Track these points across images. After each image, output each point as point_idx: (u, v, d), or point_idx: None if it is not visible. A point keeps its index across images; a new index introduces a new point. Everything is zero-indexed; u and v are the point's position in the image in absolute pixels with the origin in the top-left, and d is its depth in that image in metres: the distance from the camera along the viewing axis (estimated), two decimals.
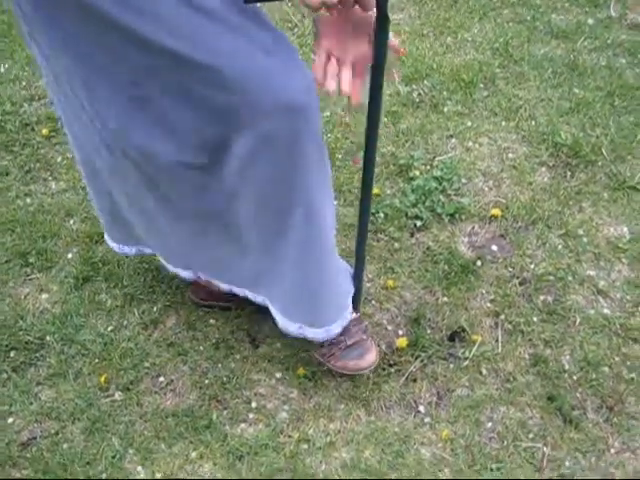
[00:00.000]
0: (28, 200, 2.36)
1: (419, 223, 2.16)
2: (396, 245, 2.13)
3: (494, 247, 2.12)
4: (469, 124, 2.48)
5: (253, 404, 1.80)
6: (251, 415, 1.79)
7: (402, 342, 1.87)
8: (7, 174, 2.46)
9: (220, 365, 1.88)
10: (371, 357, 1.77)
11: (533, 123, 2.47)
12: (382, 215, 2.19)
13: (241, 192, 1.43)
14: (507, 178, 2.30)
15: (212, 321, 1.97)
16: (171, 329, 1.97)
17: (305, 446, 1.73)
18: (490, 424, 1.75)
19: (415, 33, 2.90)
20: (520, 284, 2.02)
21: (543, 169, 2.33)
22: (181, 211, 1.53)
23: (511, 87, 2.61)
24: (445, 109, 2.53)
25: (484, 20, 2.96)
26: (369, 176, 1.51)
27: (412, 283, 2.04)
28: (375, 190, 2.25)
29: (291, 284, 1.62)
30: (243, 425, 1.77)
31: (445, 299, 2.00)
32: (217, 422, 1.77)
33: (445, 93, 2.59)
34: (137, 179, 1.47)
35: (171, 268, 1.81)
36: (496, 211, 2.17)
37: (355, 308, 1.82)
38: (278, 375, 1.86)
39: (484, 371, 1.84)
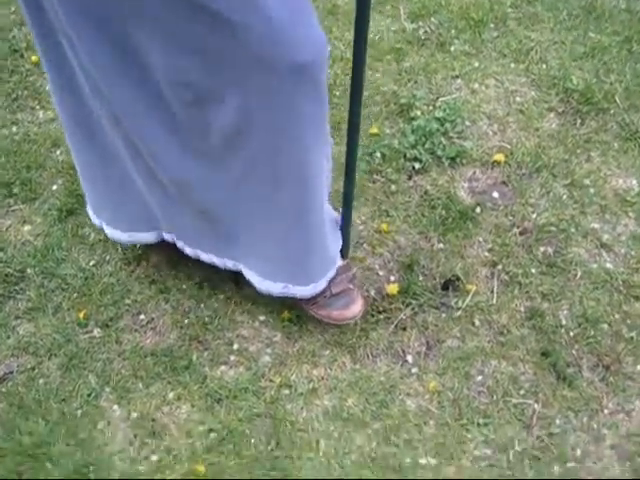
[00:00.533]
0: (14, 129, 2.21)
1: (418, 165, 2.02)
2: (392, 187, 1.99)
3: (495, 194, 1.98)
4: (476, 65, 2.30)
5: (235, 346, 1.70)
6: (232, 357, 1.68)
7: (393, 288, 1.75)
8: None
9: (203, 305, 1.77)
10: (356, 307, 1.66)
11: (544, 67, 2.29)
12: (379, 155, 2.04)
13: (233, 147, 1.31)
14: (513, 122, 2.14)
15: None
16: (154, 266, 1.85)
17: (286, 392, 1.62)
18: (480, 378, 1.64)
19: None
20: (520, 234, 1.88)
21: (552, 115, 2.16)
22: (162, 167, 1.41)
23: (523, 28, 2.43)
24: (452, 48, 2.36)
25: None
26: (355, 110, 1.36)
27: (407, 228, 1.91)
28: (373, 129, 2.10)
29: (275, 244, 1.51)
30: (223, 367, 1.67)
31: (441, 246, 1.86)
32: (197, 363, 1.66)
33: (453, 31, 2.40)
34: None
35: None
36: (499, 156, 2.02)
37: (343, 255, 1.69)
38: (262, 318, 1.75)
39: (477, 322, 1.73)
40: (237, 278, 1.81)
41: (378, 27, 2.43)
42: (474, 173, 2.03)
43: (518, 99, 2.20)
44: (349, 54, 2.34)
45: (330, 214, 1.63)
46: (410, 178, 2.01)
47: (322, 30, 1.18)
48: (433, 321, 1.73)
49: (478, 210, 1.93)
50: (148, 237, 1.69)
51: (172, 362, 1.66)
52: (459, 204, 1.94)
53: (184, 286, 1.80)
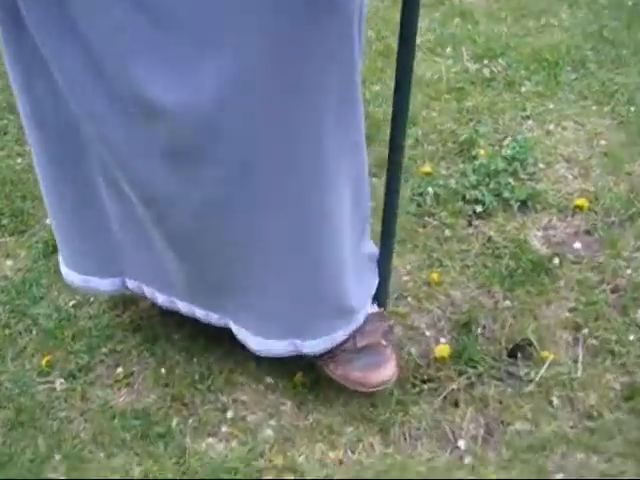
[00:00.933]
0: (19, 160, 1.93)
1: (479, 209, 1.61)
2: (447, 233, 1.57)
3: (577, 244, 1.54)
4: (551, 106, 1.92)
5: (229, 414, 1.26)
6: (224, 428, 1.24)
7: (443, 350, 1.30)
8: (5, 133, 2.05)
9: (195, 360, 1.35)
10: (388, 371, 1.22)
11: (632, 109, 1.89)
12: (432, 196, 1.65)
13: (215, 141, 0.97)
14: (597, 166, 1.73)
15: None
16: (144, 311, 1.46)
17: (290, 477, 1.17)
18: (560, 476, 1.15)
19: (490, 16, 2.38)
20: (612, 292, 1.43)
21: None
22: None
23: (605, 71, 2.05)
24: (522, 89, 1.99)
25: (574, 6, 2.42)
26: (397, 143, 1.12)
27: (464, 280, 1.48)
28: (426, 168, 1.71)
29: (277, 292, 1.14)
30: (211, 440, 1.23)
31: (507, 303, 1.42)
32: (176, 431, 1.23)
33: (523, 72, 2.05)
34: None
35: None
36: (582, 201, 1.60)
37: (379, 303, 1.27)
38: (268, 380, 1.32)
39: (556, 401, 1.25)
40: None
41: (435, 68, 2.10)
42: (550, 221, 1.60)
43: (603, 142, 1.80)
44: None
45: (370, 249, 1.24)
46: (470, 224, 1.60)
47: None
48: (496, 396, 1.26)
49: (556, 262, 1.49)
50: (105, 285, 1.30)
51: (145, 427, 1.24)
52: (532, 254, 1.50)
53: (175, 336, 1.40)
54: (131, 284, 1.29)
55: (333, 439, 1.21)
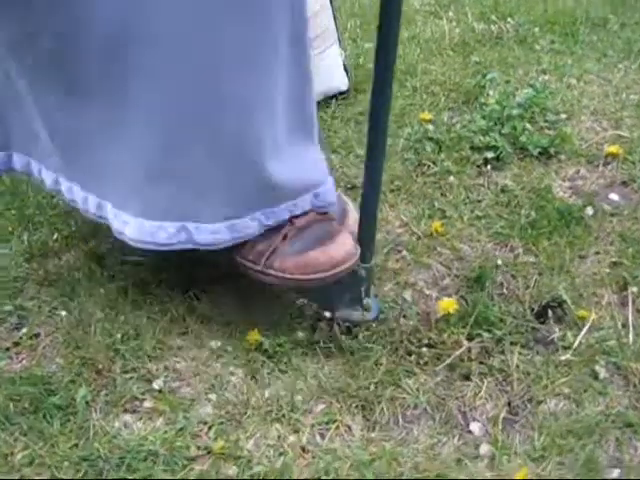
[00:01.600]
0: None
1: (491, 155, 1.26)
2: (452, 180, 1.22)
3: (614, 195, 1.19)
4: (570, 62, 1.60)
5: (156, 384, 0.89)
6: (147, 402, 0.87)
7: (448, 305, 0.93)
8: None
9: (122, 317, 0.98)
10: (346, 244, 0.87)
11: None
12: (432, 144, 1.30)
13: None
14: (630, 117, 1.39)
15: (132, 253, 1.09)
16: (67, 262, 1.10)
17: (232, 468, 0.79)
18: (616, 472, 0.77)
19: None
20: None
21: None
22: None
23: (629, 31, 1.74)
24: (536, 46, 1.67)
25: None
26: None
27: (473, 233, 1.12)
28: (425, 115, 1.37)
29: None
30: (128, 417, 0.85)
31: (530, 259, 1.06)
32: (81, 405, 0.86)
33: (536, 30, 1.73)
34: None
35: None
36: (615, 148, 1.25)
37: (362, 259, 0.91)
38: (214, 343, 0.94)
39: (603, 373, 0.88)
40: (188, 282, 1.04)
41: (436, 28, 1.79)
42: (578, 171, 1.25)
43: (633, 96, 1.46)
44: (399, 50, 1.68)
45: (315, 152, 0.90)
46: (480, 173, 1.25)
47: None
48: (521, 366, 0.89)
49: (589, 212, 1.14)
50: None
51: (40, 400, 0.86)
52: (559, 201, 1.15)
53: (100, 290, 1.03)
54: (19, 162, 0.98)
55: (295, 419, 0.84)
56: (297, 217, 0.89)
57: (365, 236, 0.90)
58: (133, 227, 0.86)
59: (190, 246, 0.87)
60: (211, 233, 0.85)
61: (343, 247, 0.86)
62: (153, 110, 0.78)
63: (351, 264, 0.87)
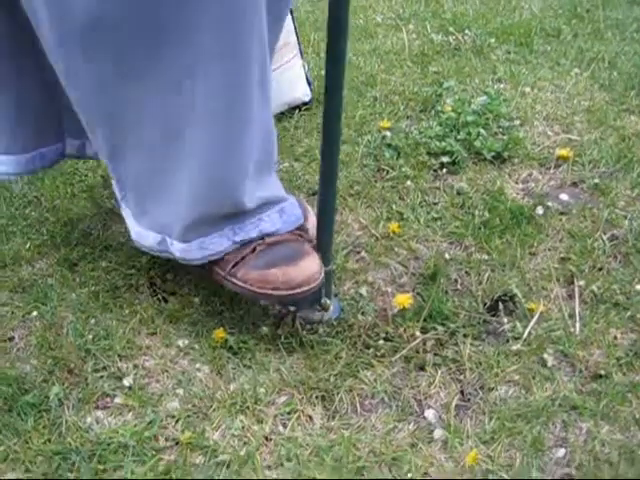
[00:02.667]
0: None
1: (447, 160, 1.32)
2: (409, 184, 1.28)
3: (564, 196, 1.25)
4: (525, 71, 1.66)
5: (126, 382, 0.92)
6: (117, 399, 0.90)
7: (404, 300, 0.98)
8: None
9: (93, 320, 1.02)
10: (312, 265, 0.91)
11: (615, 74, 1.64)
12: (391, 150, 1.35)
13: None
14: (581, 122, 1.45)
15: (104, 259, 1.12)
16: (40, 269, 1.13)
17: (197, 458, 0.82)
18: (562, 452, 0.82)
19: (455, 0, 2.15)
20: (610, 240, 1.13)
21: (633, 118, 1.47)
22: None
23: (582, 41, 1.81)
24: (492, 56, 1.74)
25: None
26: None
27: (429, 233, 1.17)
28: (384, 123, 1.42)
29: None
30: (99, 413, 0.88)
31: (483, 256, 1.11)
32: (54, 402, 0.89)
33: (492, 41, 1.80)
34: None
35: None
36: (565, 152, 1.32)
37: (325, 262, 0.95)
38: (181, 342, 0.98)
39: (551, 360, 0.93)
40: (156, 282, 1.08)
41: (396, 40, 1.85)
42: (530, 174, 1.31)
43: (585, 103, 1.53)
44: (360, 61, 1.74)
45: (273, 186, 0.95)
46: (436, 177, 1.31)
47: None
48: (473, 357, 0.94)
49: (540, 211, 1.19)
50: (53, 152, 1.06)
51: (14, 398, 0.89)
52: (511, 202, 1.21)
53: (71, 295, 1.06)
54: (70, 147, 1.07)
55: (259, 410, 0.88)
56: (270, 235, 0.93)
57: (323, 240, 0.94)
58: (132, 225, 0.96)
59: (166, 256, 0.93)
60: (183, 251, 0.89)
61: (305, 271, 0.90)
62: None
63: (310, 287, 0.90)
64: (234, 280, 0.93)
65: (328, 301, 0.97)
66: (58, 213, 1.24)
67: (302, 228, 0.96)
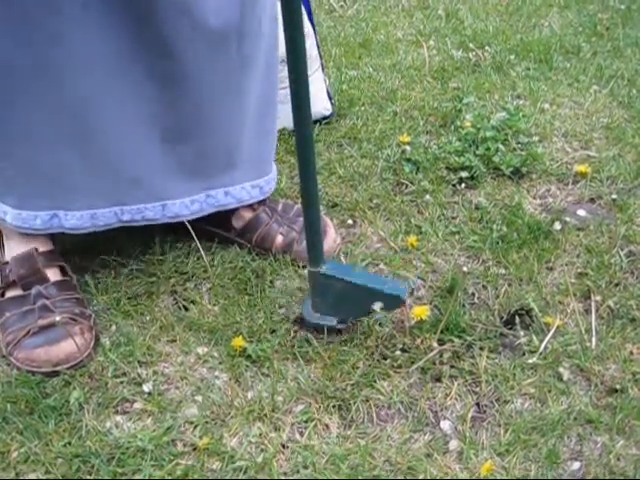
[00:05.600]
0: None
1: (465, 174, 1.33)
2: (428, 198, 1.29)
3: (581, 212, 1.26)
4: (544, 87, 1.68)
5: (145, 387, 0.94)
6: (137, 404, 0.92)
7: (421, 312, 0.99)
8: None
9: (114, 326, 1.04)
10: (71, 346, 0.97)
11: (634, 91, 1.65)
12: (410, 164, 1.37)
13: None
14: (599, 138, 1.46)
15: (125, 267, 1.15)
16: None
17: (214, 464, 0.84)
18: (576, 465, 0.83)
19: (476, 16, 2.18)
20: (627, 257, 1.13)
21: None
22: None
23: (601, 58, 1.82)
24: (512, 72, 1.75)
25: (566, 10, 2.22)
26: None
27: (447, 247, 1.18)
28: (404, 137, 1.44)
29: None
30: (119, 418, 0.90)
31: (501, 270, 1.12)
32: (75, 406, 0.91)
33: (512, 57, 1.82)
34: None
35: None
36: (584, 167, 1.32)
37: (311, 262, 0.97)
38: (200, 350, 1.00)
39: (566, 374, 0.94)
40: (179, 293, 1.10)
41: (417, 56, 1.87)
42: (549, 190, 1.32)
43: (604, 119, 1.54)
44: (380, 77, 1.77)
45: None
46: (455, 192, 1.32)
47: None
48: (489, 369, 0.95)
49: (557, 227, 1.20)
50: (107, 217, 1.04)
51: (35, 401, 0.91)
52: (528, 217, 1.22)
53: (95, 301, 1.09)
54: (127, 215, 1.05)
55: (276, 418, 0.89)
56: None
57: (313, 240, 0.95)
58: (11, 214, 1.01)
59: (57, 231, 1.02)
60: (74, 223, 1.00)
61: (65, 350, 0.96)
62: None
63: (69, 365, 0.96)
64: (11, 359, 0.98)
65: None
66: None
67: (83, 315, 1.01)
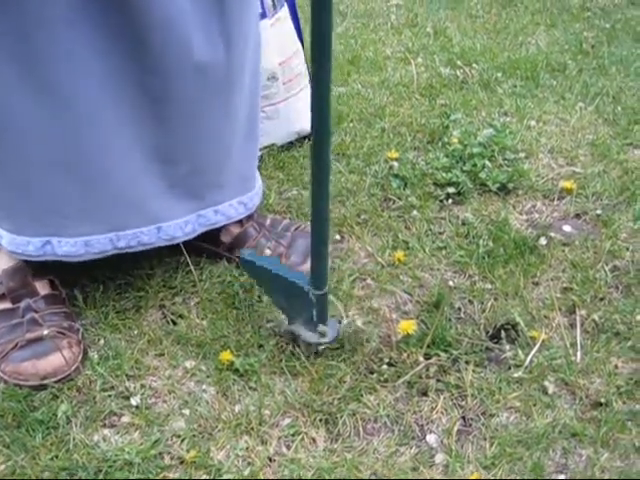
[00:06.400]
0: None
1: (452, 190, 1.35)
2: (415, 214, 1.31)
3: (567, 227, 1.28)
4: (531, 105, 1.71)
5: (133, 401, 0.94)
6: (125, 418, 0.93)
7: (408, 326, 1.00)
8: None
9: (102, 340, 1.05)
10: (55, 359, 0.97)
11: (619, 108, 1.68)
12: (398, 180, 1.39)
13: None
14: (585, 155, 1.49)
15: (113, 281, 1.16)
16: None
17: (203, 476, 0.84)
18: (561, 478, 0.84)
19: (464, 34, 2.21)
20: (611, 272, 1.15)
21: (636, 152, 1.51)
22: None
23: (587, 76, 1.86)
24: (499, 90, 1.78)
25: (553, 29, 2.26)
26: None
27: (434, 262, 1.20)
28: (392, 153, 1.46)
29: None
30: (106, 431, 0.91)
31: (487, 285, 1.14)
32: (62, 420, 0.91)
33: (500, 75, 1.85)
34: None
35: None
36: (569, 184, 1.35)
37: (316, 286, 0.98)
38: (188, 363, 1.01)
39: (551, 388, 0.95)
40: (162, 306, 1.11)
41: (405, 73, 1.90)
42: (534, 206, 1.35)
43: (589, 136, 1.57)
44: (369, 93, 1.79)
45: None
46: (442, 207, 1.34)
47: None
48: (475, 383, 0.96)
49: (543, 242, 1.22)
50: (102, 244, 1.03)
51: (23, 415, 0.92)
52: (514, 233, 1.24)
53: (82, 315, 1.10)
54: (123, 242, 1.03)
55: (263, 432, 0.90)
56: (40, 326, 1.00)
57: (317, 265, 0.96)
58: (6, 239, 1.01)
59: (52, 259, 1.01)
60: (68, 251, 1.00)
61: (58, 361, 0.97)
62: None
63: (57, 378, 0.96)
64: None
65: (323, 326, 0.99)
66: None
67: (72, 328, 1.02)
